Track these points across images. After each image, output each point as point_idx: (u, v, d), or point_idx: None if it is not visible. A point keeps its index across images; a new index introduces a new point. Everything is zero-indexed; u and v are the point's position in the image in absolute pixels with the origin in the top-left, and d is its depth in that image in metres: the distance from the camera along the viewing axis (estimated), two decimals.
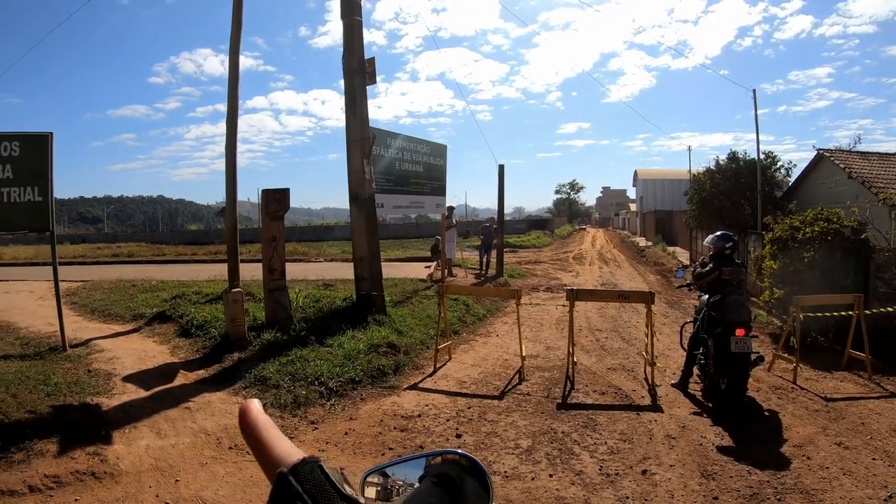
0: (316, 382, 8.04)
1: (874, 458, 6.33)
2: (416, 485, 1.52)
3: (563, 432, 7.03)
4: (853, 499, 5.42)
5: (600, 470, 6.04)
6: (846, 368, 9.91)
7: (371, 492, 1.58)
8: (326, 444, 6.52)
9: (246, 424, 0.98)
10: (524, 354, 9.83)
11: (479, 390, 8.70)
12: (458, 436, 6.83)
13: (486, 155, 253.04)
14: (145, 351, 9.63)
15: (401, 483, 1.58)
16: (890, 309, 10.36)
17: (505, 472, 5.94)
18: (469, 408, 7.82)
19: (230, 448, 6.27)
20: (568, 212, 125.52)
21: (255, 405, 1.02)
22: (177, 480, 5.47)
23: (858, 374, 9.61)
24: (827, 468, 6.10)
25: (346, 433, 6.83)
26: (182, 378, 8.33)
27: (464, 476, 1.39)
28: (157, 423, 6.67)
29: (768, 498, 5.46)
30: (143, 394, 7.53)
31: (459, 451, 1.44)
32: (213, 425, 6.73)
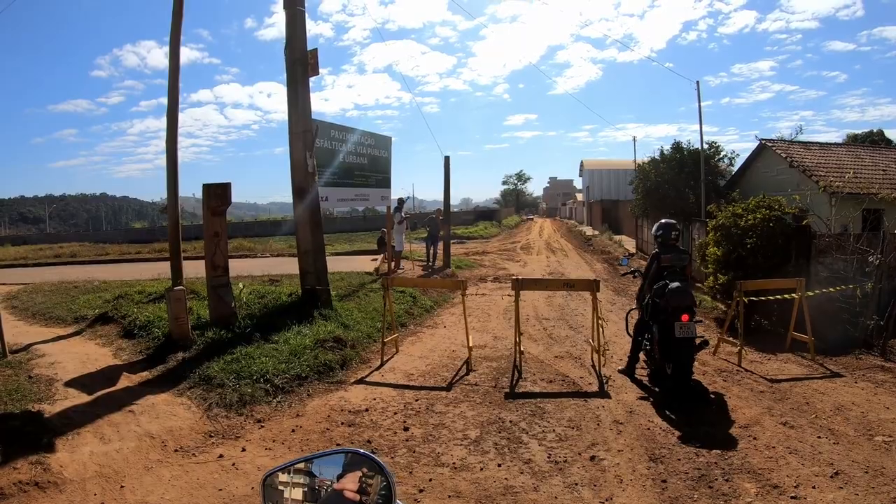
0: (261, 380, 7.97)
1: (819, 437, 6.49)
2: (335, 483, 1.54)
3: (511, 421, 7.08)
4: (800, 476, 5.54)
5: (549, 457, 6.10)
6: (790, 350, 10.15)
7: (298, 493, 1.58)
8: (273, 441, 6.47)
9: None
10: (471, 345, 9.84)
11: (427, 382, 8.73)
12: (406, 428, 6.83)
13: (433, 147, 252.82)
14: (87, 354, 9.43)
15: (328, 482, 1.59)
16: (832, 290, 10.59)
17: (454, 463, 5.96)
18: (417, 400, 7.84)
19: (175, 451, 6.19)
20: (515, 202, 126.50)
21: None
22: (122, 486, 5.37)
23: (802, 356, 9.84)
24: (773, 448, 6.24)
25: (292, 430, 6.78)
26: (125, 381, 8.17)
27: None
28: (100, 428, 6.53)
29: (716, 479, 5.56)
30: (85, 398, 7.36)
31: (361, 450, 1.46)
32: (158, 428, 6.63)
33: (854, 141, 48.62)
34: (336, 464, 1.59)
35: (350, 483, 1.55)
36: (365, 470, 1.56)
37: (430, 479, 5.58)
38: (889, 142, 49.47)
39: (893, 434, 6.54)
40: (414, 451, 6.22)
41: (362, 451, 1.56)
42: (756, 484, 5.44)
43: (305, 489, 1.58)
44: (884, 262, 10.60)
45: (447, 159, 22.50)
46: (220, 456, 6.06)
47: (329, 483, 1.57)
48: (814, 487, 5.32)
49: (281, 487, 1.59)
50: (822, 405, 7.54)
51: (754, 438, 6.52)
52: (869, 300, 10.62)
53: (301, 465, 1.60)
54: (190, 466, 5.83)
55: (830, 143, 30.45)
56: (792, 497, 5.16)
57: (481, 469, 5.83)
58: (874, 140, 50.56)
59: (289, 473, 1.60)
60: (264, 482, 1.61)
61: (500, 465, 5.91)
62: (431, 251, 23.30)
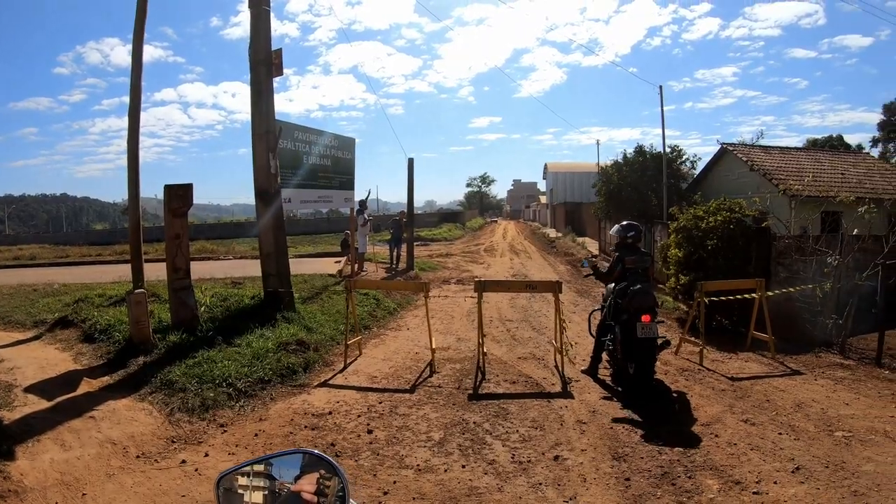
0: (224, 384, 7.91)
1: (780, 433, 6.62)
2: (293, 484, 1.55)
3: (474, 423, 7.11)
4: (762, 472, 5.65)
5: (513, 458, 6.13)
6: (750, 349, 10.33)
7: (257, 495, 1.59)
8: (236, 446, 6.43)
9: None
10: (434, 347, 9.90)
11: (391, 384, 8.72)
12: (370, 431, 6.82)
13: (397, 149, 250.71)
14: (47, 359, 9.31)
15: (286, 484, 1.60)
16: (791, 290, 10.78)
17: (417, 465, 5.97)
18: (380, 402, 7.83)
19: (137, 457, 6.12)
20: (479, 204, 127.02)
21: None
22: (84, 494, 5.30)
23: (762, 354, 10.02)
24: (735, 444, 6.35)
25: (256, 434, 6.74)
26: (86, 386, 8.07)
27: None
28: (61, 434, 6.45)
29: (679, 476, 5.64)
30: (45, 405, 7.27)
31: (315, 451, 1.47)
32: (119, 434, 6.56)
33: (814, 145, 50.11)
34: (294, 465, 1.60)
35: (307, 485, 1.56)
36: (322, 472, 1.57)
37: (395, 482, 5.58)
38: (848, 146, 50.92)
39: (853, 429, 6.70)
40: (378, 454, 6.22)
41: (317, 451, 1.57)
42: (718, 480, 5.53)
43: (265, 491, 1.58)
44: (842, 263, 10.82)
45: (411, 161, 22.54)
46: (183, 461, 6.01)
47: (288, 485, 1.58)
48: (775, 483, 5.42)
49: (240, 490, 1.59)
50: (783, 402, 7.69)
51: (716, 436, 6.63)
52: (828, 300, 10.85)
53: (261, 468, 1.60)
54: (152, 473, 5.78)
55: (791, 148, 31.12)
56: (754, 492, 5.25)
57: (445, 470, 5.85)
58: (833, 145, 52.14)
59: (249, 476, 1.60)
60: (218, 483, 1.61)
61: (464, 467, 5.93)
62: (395, 253, 23.31)
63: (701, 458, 6.03)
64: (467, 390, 8.38)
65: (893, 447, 6.23)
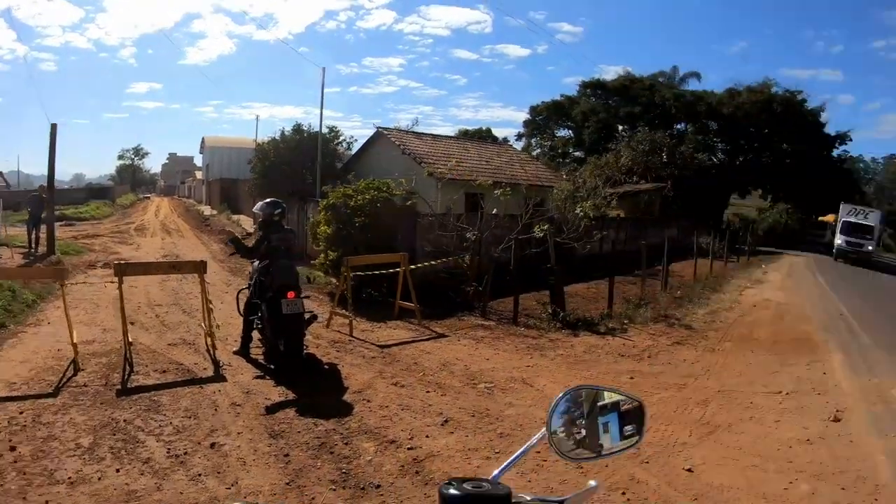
0: None
1: (428, 392, 7.33)
2: None
3: (125, 420, 6.83)
4: (414, 429, 6.20)
5: (168, 452, 6.00)
6: (399, 318, 11.13)
7: None
8: None
9: None
10: (76, 341, 9.13)
11: (31, 390, 7.95)
12: (13, 448, 6.10)
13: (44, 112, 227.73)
14: None
15: None
16: (434, 263, 11.62)
17: (69, 478, 5.55)
18: (21, 413, 7.09)
19: None
20: (132, 179, 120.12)
21: None
22: None
23: (410, 322, 10.88)
24: (387, 407, 6.87)
25: None
26: None
27: None
28: None
29: (336, 444, 5.96)
30: None
31: None
32: None
33: (465, 135, 57.01)
34: None
35: None
36: None
37: (47, 501, 5.17)
38: (495, 138, 57.25)
39: (494, 380, 7.67)
40: (24, 473, 5.64)
41: None
42: (374, 442, 5.95)
43: None
44: (479, 238, 11.85)
45: (54, 127, 20.53)
46: None
47: None
48: (427, 436, 6.00)
49: None
50: (430, 363, 8.49)
51: (368, 401, 7.10)
52: (468, 269, 11.85)
53: None
54: None
55: (442, 136, 34.15)
56: (409, 448, 5.75)
57: (100, 478, 5.54)
58: (483, 136, 59.74)
59: None
60: None
61: (118, 471, 5.67)
62: (34, 235, 21.32)
63: (356, 424, 6.42)
64: (115, 386, 8.00)
65: (530, 392, 7.18)
